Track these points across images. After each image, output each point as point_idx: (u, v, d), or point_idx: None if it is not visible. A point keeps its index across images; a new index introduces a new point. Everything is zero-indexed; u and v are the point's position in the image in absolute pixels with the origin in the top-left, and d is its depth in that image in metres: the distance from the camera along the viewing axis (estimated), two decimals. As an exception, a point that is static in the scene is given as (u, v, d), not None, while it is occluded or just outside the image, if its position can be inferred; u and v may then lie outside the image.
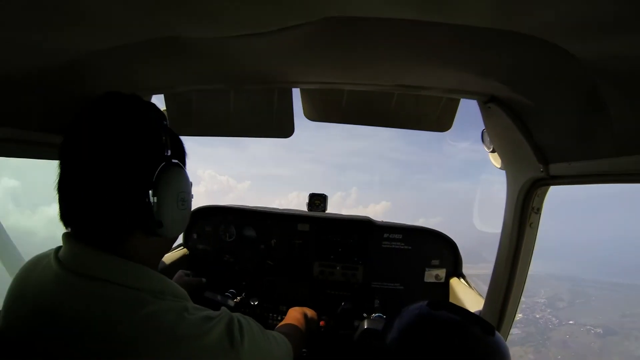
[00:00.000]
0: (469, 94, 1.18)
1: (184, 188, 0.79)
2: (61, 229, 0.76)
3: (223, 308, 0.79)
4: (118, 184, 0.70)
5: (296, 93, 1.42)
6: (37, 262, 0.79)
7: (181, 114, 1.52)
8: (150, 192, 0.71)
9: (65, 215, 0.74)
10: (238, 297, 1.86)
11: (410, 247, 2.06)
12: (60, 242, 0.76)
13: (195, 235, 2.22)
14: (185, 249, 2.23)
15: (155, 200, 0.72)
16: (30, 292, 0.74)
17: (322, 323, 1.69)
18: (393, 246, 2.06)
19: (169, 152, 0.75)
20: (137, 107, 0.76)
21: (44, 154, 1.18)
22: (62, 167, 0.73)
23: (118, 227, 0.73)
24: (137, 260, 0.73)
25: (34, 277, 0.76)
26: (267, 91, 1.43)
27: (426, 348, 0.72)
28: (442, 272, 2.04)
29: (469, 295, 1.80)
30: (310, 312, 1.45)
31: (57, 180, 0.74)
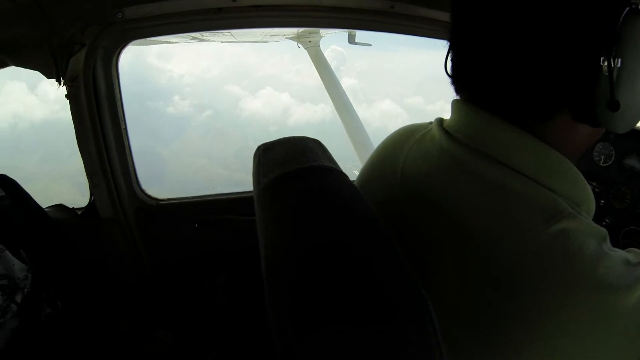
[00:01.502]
0: None
1: None
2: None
3: (637, 250, 0.54)
4: (553, 33, 0.47)
5: None
6: (411, 133, 0.66)
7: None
8: (607, 52, 0.45)
9: (463, 76, 0.56)
10: None
11: None
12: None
13: None
14: None
15: (618, 66, 0.45)
16: (399, 164, 0.62)
17: None
18: None
19: None
20: None
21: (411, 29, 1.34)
22: (461, 8, 0.54)
23: (544, 99, 0.50)
24: (556, 149, 0.52)
25: (406, 148, 0.63)
26: None
27: None
28: None
29: None
30: None
31: (452, 29, 0.56)
